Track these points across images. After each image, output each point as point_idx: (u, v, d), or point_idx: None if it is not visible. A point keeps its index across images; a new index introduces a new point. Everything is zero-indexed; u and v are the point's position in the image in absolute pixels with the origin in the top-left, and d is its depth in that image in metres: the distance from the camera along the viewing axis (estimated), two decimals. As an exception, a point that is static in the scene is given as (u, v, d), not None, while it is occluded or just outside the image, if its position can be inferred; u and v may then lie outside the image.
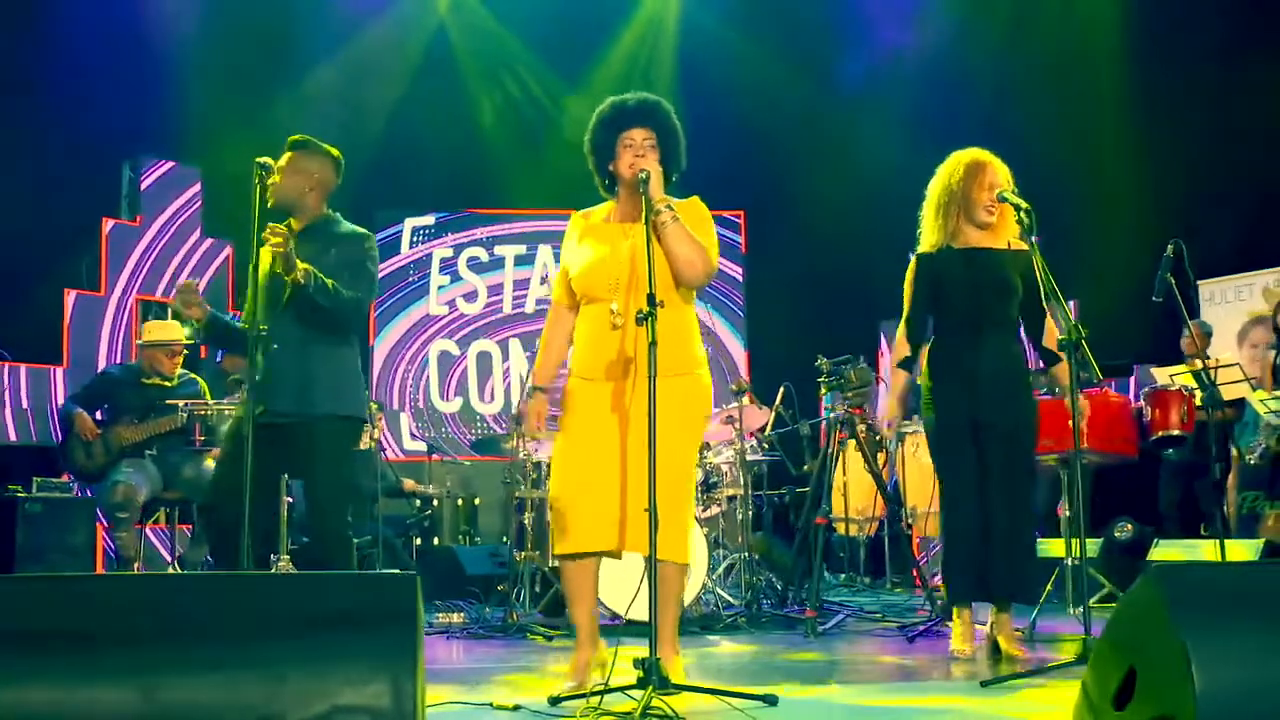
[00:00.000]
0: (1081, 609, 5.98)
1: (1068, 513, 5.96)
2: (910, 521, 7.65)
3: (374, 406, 6.20)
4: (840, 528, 8.98)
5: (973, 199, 4.76)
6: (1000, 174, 4.77)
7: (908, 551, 9.05)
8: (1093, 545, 7.39)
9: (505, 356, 10.94)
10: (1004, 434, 4.73)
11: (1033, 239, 4.44)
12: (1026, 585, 4.90)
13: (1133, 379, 8.94)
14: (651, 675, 3.39)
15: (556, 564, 4.33)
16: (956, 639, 4.79)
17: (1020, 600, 4.88)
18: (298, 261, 4.34)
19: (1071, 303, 9.75)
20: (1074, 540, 5.45)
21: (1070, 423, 5.28)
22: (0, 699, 1.91)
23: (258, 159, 4.41)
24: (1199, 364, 6.02)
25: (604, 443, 3.90)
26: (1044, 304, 4.72)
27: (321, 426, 4.49)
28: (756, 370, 10.52)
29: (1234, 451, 7.67)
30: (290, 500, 5.48)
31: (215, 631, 2.03)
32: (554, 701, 3.62)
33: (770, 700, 3.55)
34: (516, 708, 3.55)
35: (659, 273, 3.75)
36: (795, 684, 4.08)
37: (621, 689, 3.44)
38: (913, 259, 5.00)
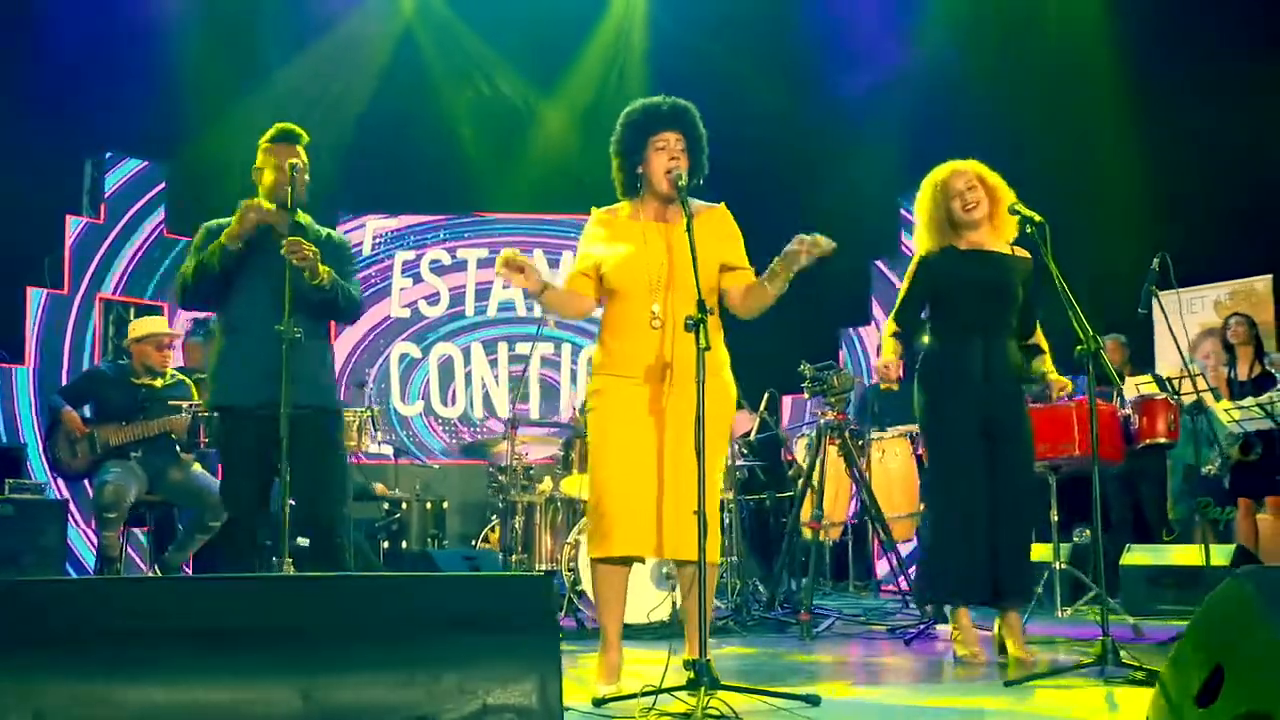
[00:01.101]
0: (1070, 611, 6.20)
1: (1058, 517, 6.10)
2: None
3: (376, 410, 6.16)
4: (806, 532, 9.10)
5: (951, 209, 4.86)
6: (965, 175, 4.86)
7: (870, 557, 9.22)
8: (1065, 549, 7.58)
9: (467, 361, 10.91)
10: (1009, 436, 4.81)
11: (1046, 250, 4.52)
12: (1029, 586, 5.00)
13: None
14: (702, 676, 3.43)
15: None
16: (961, 643, 4.83)
17: (1022, 601, 4.97)
18: (320, 267, 4.37)
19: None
20: (1057, 544, 5.58)
21: (1074, 430, 5.44)
22: (169, 696, 1.91)
23: (291, 160, 4.38)
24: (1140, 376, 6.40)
25: (643, 445, 3.91)
26: (1034, 312, 4.86)
27: (334, 418, 4.53)
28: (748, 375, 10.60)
29: (1169, 460, 7.89)
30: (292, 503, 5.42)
31: (370, 632, 2.05)
32: (598, 703, 3.64)
33: (813, 700, 3.60)
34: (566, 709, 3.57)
35: (700, 280, 3.80)
36: (823, 684, 4.14)
37: (670, 690, 3.48)
38: (914, 260, 5.07)
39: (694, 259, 3.72)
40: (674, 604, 6.07)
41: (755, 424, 7.35)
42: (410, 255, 10.94)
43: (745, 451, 7.61)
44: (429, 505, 8.96)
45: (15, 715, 1.69)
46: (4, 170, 8.23)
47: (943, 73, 10.03)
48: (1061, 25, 9.87)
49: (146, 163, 9.29)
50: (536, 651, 2.10)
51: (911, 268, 5.05)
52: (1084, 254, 9.35)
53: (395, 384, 10.86)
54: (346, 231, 10.74)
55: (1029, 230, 4.59)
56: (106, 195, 9.08)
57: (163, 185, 9.32)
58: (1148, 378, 7.60)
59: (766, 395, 7.38)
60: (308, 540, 5.06)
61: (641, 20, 10.78)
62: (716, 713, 3.31)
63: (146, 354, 6.62)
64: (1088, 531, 8.07)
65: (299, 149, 4.69)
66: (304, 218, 4.75)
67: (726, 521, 6.77)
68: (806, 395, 6.68)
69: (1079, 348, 4.31)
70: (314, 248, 4.32)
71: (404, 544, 8.78)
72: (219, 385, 4.52)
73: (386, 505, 8.97)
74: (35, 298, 8.62)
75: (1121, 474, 7.99)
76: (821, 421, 6.41)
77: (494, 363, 10.93)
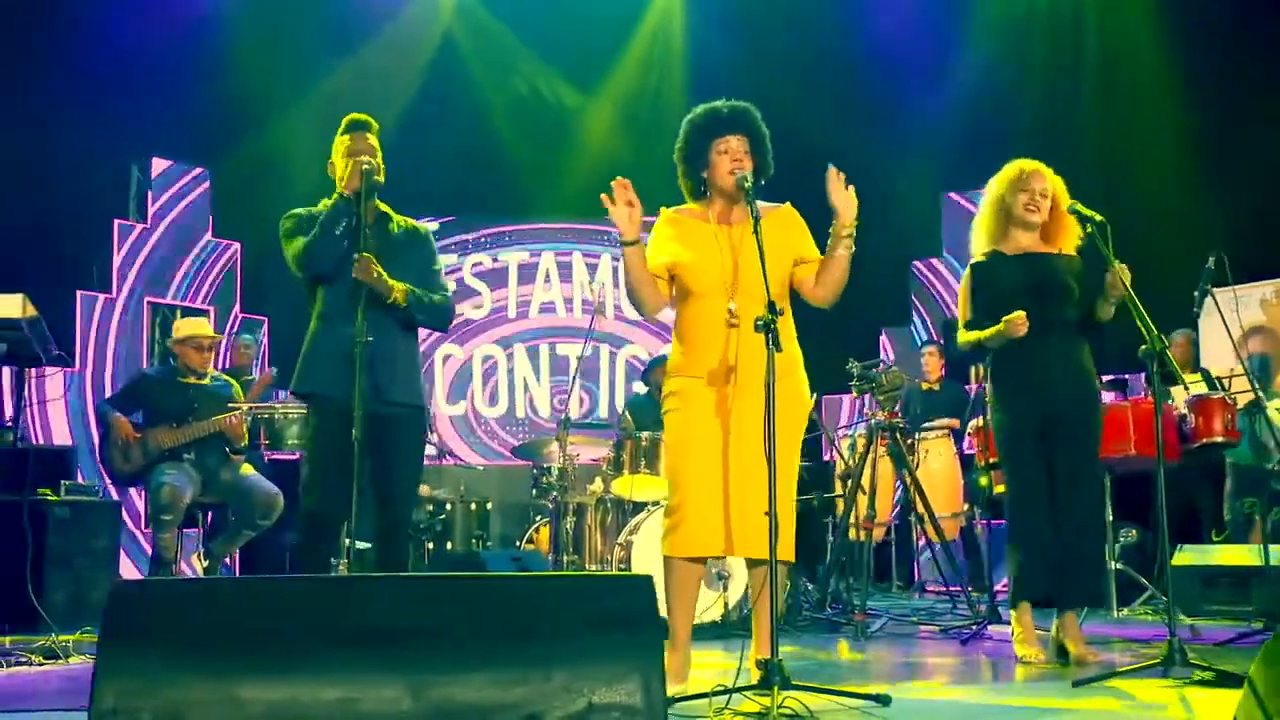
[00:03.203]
0: (1125, 611, 6.17)
1: (1110, 518, 6.09)
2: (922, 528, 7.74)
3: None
4: (850, 532, 9.08)
5: (1012, 201, 4.87)
6: (1045, 179, 4.87)
7: (914, 558, 9.22)
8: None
9: (509, 361, 10.95)
10: (1072, 436, 4.80)
11: (1109, 249, 4.52)
12: (1100, 589, 4.98)
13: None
14: (774, 675, 3.44)
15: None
16: (1021, 644, 4.83)
17: (1092, 604, 4.97)
18: (392, 284, 4.36)
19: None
20: (1112, 544, 5.56)
21: (1130, 429, 5.40)
22: (285, 694, 1.93)
23: (362, 161, 4.37)
24: (1189, 373, 6.28)
25: (718, 446, 3.95)
26: (1099, 310, 4.84)
27: (419, 417, 4.56)
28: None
29: (1228, 459, 7.82)
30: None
31: (479, 631, 2.08)
32: (668, 703, 3.65)
33: (884, 700, 3.61)
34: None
35: (771, 279, 3.83)
36: (885, 684, 4.14)
37: (741, 689, 3.50)
38: (967, 269, 5.08)
39: (762, 259, 3.74)
40: (725, 604, 6.09)
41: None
42: (453, 259, 10.99)
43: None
44: (473, 506, 8.98)
45: (147, 715, 1.72)
46: (54, 176, 8.32)
47: (987, 72, 10.02)
48: (1108, 19, 9.85)
49: (192, 167, 9.37)
50: (641, 651, 2.13)
51: (967, 276, 5.05)
52: (1131, 251, 9.36)
53: (440, 385, 10.90)
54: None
55: (1089, 229, 4.59)
56: (153, 199, 9.15)
57: (207, 188, 9.38)
58: (1196, 376, 7.58)
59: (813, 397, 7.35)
60: (368, 544, 5.09)
61: (680, 20, 10.79)
62: (790, 712, 3.32)
63: (188, 356, 6.68)
64: (1134, 532, 8.03)
65: (368, 136, 4.62)
66: (385, 207, 4.71)
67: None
68: (854, 394, 6.66)
69: (1143, 347, 4.30)
70: (380, 269, 4.31)
71: (449, 545, 8.81)
72: (306, 370, 4.47)
73: (430, 506, 9.00)
74: (84, 302, 8.70)
75: (1173, 473, 7.93)
76: (871, 421, 6.39)
77: (536, 365, 10.97)
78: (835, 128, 10.27)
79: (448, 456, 9.43)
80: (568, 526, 6.52)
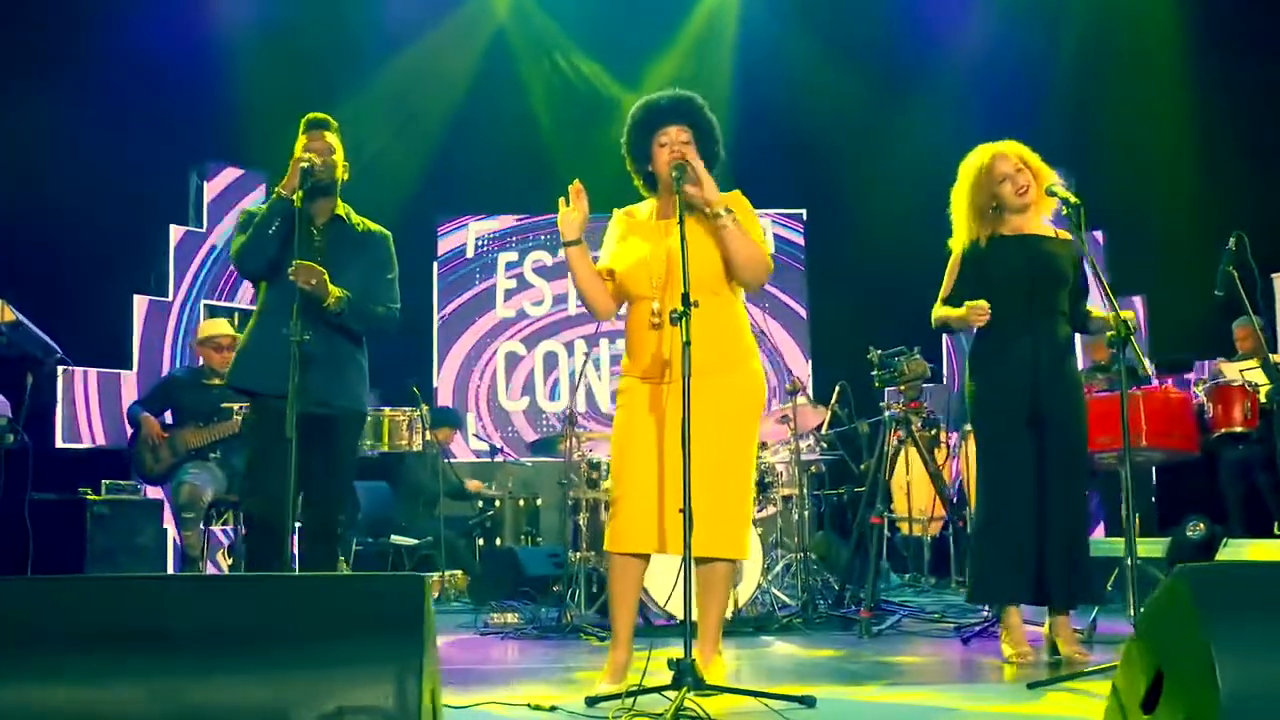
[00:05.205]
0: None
1: (1137, 512, 5.85)
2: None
3: (425, 410, 6.21)
4: (904, 527, 8.90)
5: (999, 193, 4.68)
6: (1010, 158, 4.67)
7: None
8: (1160, 544, 7.25)
9: (570, 355, 10.97)
10: (1059, 426, 4.60)
11: (1081, 233, 4.35)
12: (1087, 585, 4.79)
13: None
14: (685, 676, 3.37)
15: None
16: (1009, 643, 4.68)
17: (1082, 601, 4.79)
18: (331, 290, 4.36)
19: (1138, 298, 9.62)
20: (1131, 540, 5.32)
21: (1141, 420, 5.20)
22: (20, 697, 1.94)
23: (301, 160, 4.38)
24: (1256, 360, 5.88)
25: (651, 443, 3.92)
26: (1084, 295, 4.64)
27: (356, 420, 4.57)
28: (821, 369, 10.46)
29: None
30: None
31: (226, 633, 2.06)
32: (590, 702, 3.61)
33: (808, 702, 3.51)
34: (553, 708, 3.56)
35: (703, 270, 3.79)
36: (837, 685, 4.04)
37: (658, 689, 3.43)
38: (955, 252, 4.90)
39: (684, 250, 3.69)
40: (735, 601, 6.01)
41: (827, 418, 7.20)
42: (513, 256, 11.04)
43: (825, 445, 7.48)
44: (521, 502, 9.02)
45: None
46: (114, 181, 8.53)
47: (1025, 60, 9.79)
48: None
49: (250, 171, 9.55)
50: (396, 653, 2.09)
51: (954, 261, 4.87)
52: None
53: (501, 381, 10.97)
54: (447, 233, 10.95)
55: (1065, 212, 4.42)
56: (210, 204, 9.36)
57: (261, 191, 9.56)
58: (1253, 363, 7.23)
59: (838, 388, 7.22)
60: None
61: (733, 13, 10.67)
62: (692, 714, 3.24)
63: (209, 356, 6.82)
64: (1201, 525, 7.70)
65: (325, 135, 4.64)
66: (345, 208, 4.73)
67: (795, 517, 6.69)
68: (876, 384, 6.47)
69: (1109, 333, 4.12)
70: (321, 272, 4.31)
71: (498, 541, 8.86)
72: (242, 365, 4.52)
73: (480, 503, 9.06)
74: (142, 305, 8.93)
75: (1236, 461, 7.62)
76: (887, 414, 6.22)
77: (597, 360, 10.97)
78: (890, 117, 10.12)
79: (500, 453, 9.49)
80: (580, 522, 6.49)
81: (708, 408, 3.77)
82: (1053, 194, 4.52)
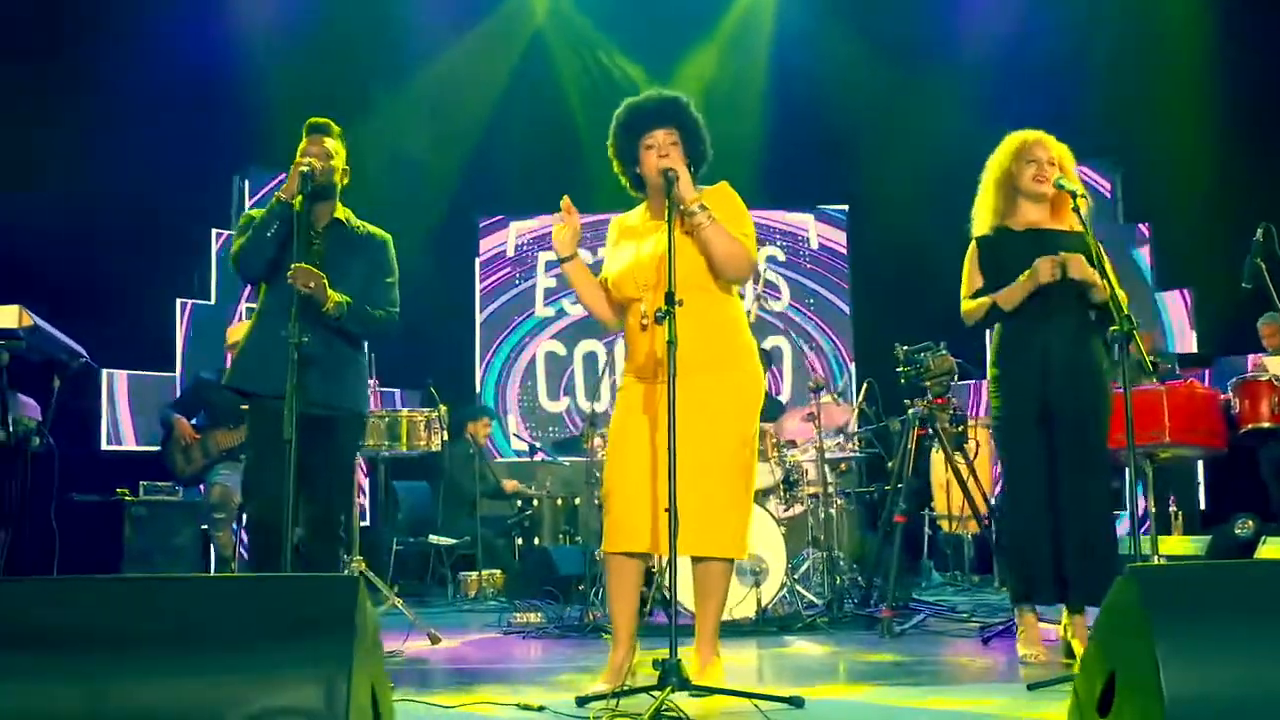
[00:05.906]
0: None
1: (1181, 510, 5.76)
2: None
3: (443, 410, 6.21)
4: (945, 525, 8.81)
5: (1018, 172, 4.62)
6: (1050, 149, 4.61)
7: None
8: (1201, 543, 7.13)
9: (610, 353, 10.97)
10: (1075, 422, 4.49)
11: (1089, 226, 4.28)
12: (1107, 585, 4.69)
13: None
14: (670, 676, 3.36)
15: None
16: (1024, 642, 4.62)
17: (1100, 602, 4.69)
18: (330, 295, 4.39)
19: (1183, 292, 9.45)
20: (1154, 536, 5.24)
21: (1164, 416, 5.10)
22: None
23: (300, 165, 4.40)
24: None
25: (644, 442, 3.91)
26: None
27: (356, 421, 4.60)
28: (863, 367, 10.38)
29: None
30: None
31: (157, 634, 2.08)
32: (581, 702, 3.61)
33: (796, 702, 3.49)
34: (541, 708, 3.56)
35: (691, 268, 3.79)
36: (838, 685, 4.01)
37: (646, 690, 3.42)
38: (972, 243, 4.84)
39: (671, 250, 3.69)
40: (759, 600, 5.98)
41: (854, 415, 7.14)
42: (552, 255, 11.06)
43: (860, 443, 7.42)
44: (559, 502, 9.06)
45: None
46: (160, 186, 8.66)
47: (1063, 53, 9.66)
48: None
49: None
50: (326, 654, 2.10)
51: (971, 252, 4.81)
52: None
53: (541, 381, 11.00)
54: (488, 233, 11.00)
55: (1073, 206, 4.35)
56: (249, 207, 9.48)
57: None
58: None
59: (865, 386, 7.15)
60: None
61: (769, 10, 10.62)
62: (673, 714, 3.23)
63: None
64: (1250, 523, 7.54)
65: (325, 140, 4.63)
66: (345, 211, 4.74)
67: (822, 516, 6.64)
68: (901, 380, 6.37)
69: (1112, 329, 4.05)
70: (320, 276, 4.34)
71: (536, 540, 8.90)
72: (241, 366, 4.55)
73: (519, 502, 9.11)
74: (184, 309, 9.07)
75: (1275, 459, 7.45)
76: (910, 412, 6.13)
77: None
78: (926, 110, 10.03)
79: (538, 452, 9.52)
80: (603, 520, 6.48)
81: (699, 406, 3.76)
82: (1060, 187, 4.45)
